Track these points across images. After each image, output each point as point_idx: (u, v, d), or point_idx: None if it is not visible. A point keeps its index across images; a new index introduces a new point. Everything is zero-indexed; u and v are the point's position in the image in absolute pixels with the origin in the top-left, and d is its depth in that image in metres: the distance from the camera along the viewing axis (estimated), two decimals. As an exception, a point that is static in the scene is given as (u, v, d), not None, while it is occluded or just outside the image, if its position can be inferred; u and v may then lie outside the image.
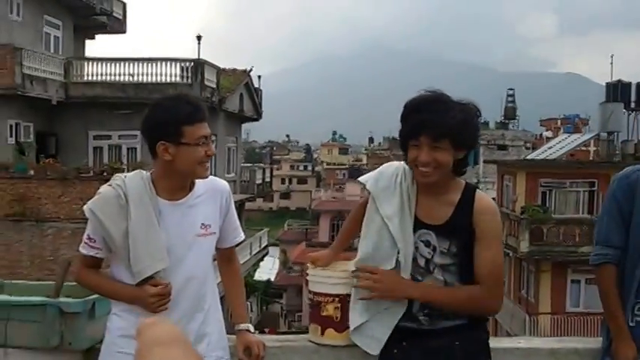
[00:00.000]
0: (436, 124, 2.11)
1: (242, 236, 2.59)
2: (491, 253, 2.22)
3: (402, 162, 2.33)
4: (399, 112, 2.24)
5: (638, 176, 2.50)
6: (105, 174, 17.24)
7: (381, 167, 2.43)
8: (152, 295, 2.21)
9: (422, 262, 2.24)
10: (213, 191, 2.38)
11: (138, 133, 19.50)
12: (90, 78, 19.83)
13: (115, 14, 23.90)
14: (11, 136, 17.87)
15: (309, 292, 2.49)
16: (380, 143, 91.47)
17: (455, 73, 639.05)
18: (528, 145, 44.31)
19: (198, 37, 21.36)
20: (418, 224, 2.25)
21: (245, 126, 30.16)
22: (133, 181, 2.28)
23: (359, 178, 2.45)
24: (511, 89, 65.72)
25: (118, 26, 24.81)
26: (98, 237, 2.26)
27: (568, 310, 21.52)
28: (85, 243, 2.30)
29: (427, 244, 2.24)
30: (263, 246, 31.05)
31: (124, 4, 25.28)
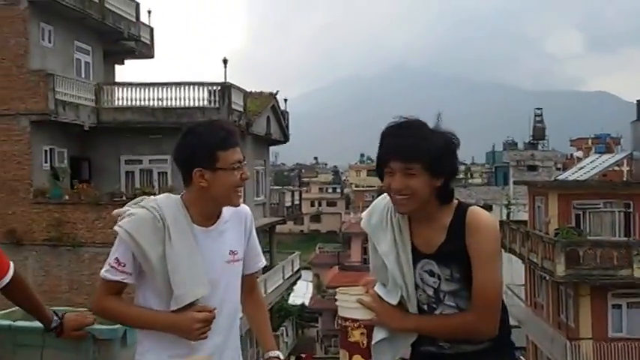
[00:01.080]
0: (406, 148, 2.06)
1: (264, 262, 2.58)
2: (483, 274, 2.11)
3: None
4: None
5: None
6: (137, 198, 17.66)
7: (375, 201, 2.36)
8: (199, 321, 2.18)
9: (430, 291, 2.19)
10: (237, 217, 2.40)
11: (168, 157, 20.07)
12: (120, 103, 20.36)
13: (142, 39, 24.49)
14: (46, 161, 18.43)
15: (338, 316, 2.42)
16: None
17: (479, 92, 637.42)
18: (559, 165, 44.13)
19: (225, 61, 21.64)
20: (418, 255, 2.19)
21: (273, 148, 30.48)
22: (167, 204, 2.27)
23: (362, 214, 2.38)
24: (539, 109, 65.28)
25: (146, 51, 25.41)
26: (129, 261, 2.20)
27: (610, 335, 21.12)
28: (112, 267, 2.20)
29: (431, 273, 2.19)
30: (295, 269, 31.22)
31: (152, 29, 25.90)
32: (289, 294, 32.79)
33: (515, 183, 31.69)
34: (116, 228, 2.22)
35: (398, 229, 2.21)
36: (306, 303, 43.44)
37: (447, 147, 2.13)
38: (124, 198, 17.79)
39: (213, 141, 2.21)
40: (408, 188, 2.07)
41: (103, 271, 2.22)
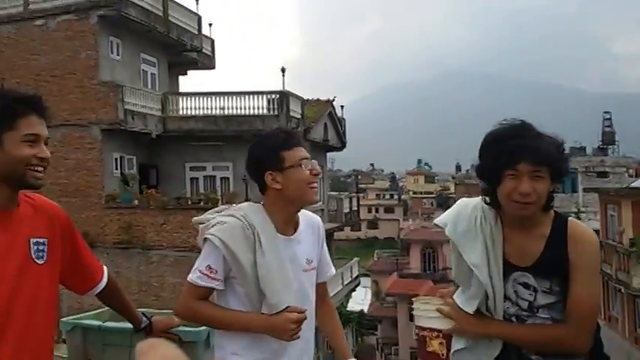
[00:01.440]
0: (537, 150, 2.01)
1: (333, 271, 2.64)
2: (586, 289, 2.07)
3: (478, 199, 2.24)
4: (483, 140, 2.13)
5: None
6: (202, 203, 18.34)
7: (457, 206, 2.31)
8: (293, 322, 2.24)
9: (525, 304, 2.14)
10: (311, 226, 2.47)
11: (229, 164, 20.71)
12: (184, 112, 21.09)
13: (204, 50, 25.26)
14: (116, 168, 19.32)
15: (415, 326, 2.43)
16: (467, 171, 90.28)
17: (543, 96, 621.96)
18: (631, 171, 42.34)
19: (283, 70, 22.06)
20: (510, 267, 2.13)
21: (329, 155, 30.83)
22: (253, 213, 2.34)
23: (435, 220, 2.35)
24: (607, 112, 63.31)
25: (207, 62, 26.20)
26: (220, 267, 2.27)
27: (692, 350, 20.23)
28: (204, 274, 2.27)
29: (526, 286, 2.13)
30: (354, 276, 31.27)
31: (213, 41, 26.69)
32: (348, 300, 32.90)
33: (584, 190, 30.58)
34: (208, 236, 2.27)
35: (491, 240, 2.15)
36: (365, 310, 43.42)
37: (563, 149, 2.11)
38: (190, 203, 18.50)
39: (276, 143, 2.32)
40: (535, 192, 2.01)
41: (193, 277, 2.28)
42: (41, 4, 19.81)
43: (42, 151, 1.90)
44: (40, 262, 1.94)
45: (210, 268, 2.26)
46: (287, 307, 2.26)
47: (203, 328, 2.67)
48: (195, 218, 2.41)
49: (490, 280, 2.12)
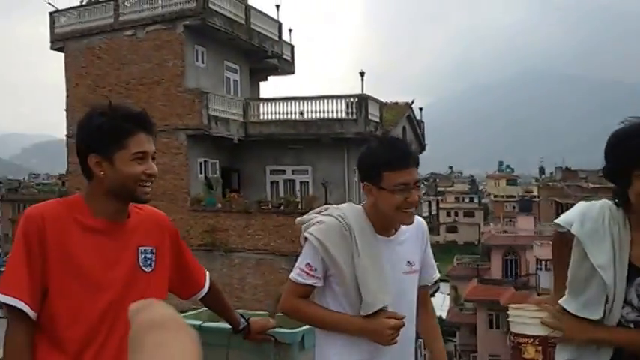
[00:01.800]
0: None
1: (437, 275, 2.63)
2: None
3: (605, 200, 2.19)
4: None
5: None
6: (282, 207, 18.62)
7: (580, 207, 2.25)
8: (391, 327, 2.25)
9: None
10: (415, 228, 2.45)
11: (308, 168, 20.90)
12: (265, 117, 21.42)
13: (284, 56, 25.68)
14: (201, 172, 19.92)
15: (510, 333, 2.43)
16: (552, 174, 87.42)
17: (630, 96, 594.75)
18: None
19: (362, 73, 21.89)
20: (635, 271, 2.08)
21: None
22: (352, 213, 2.37)
23: (557, 221, 2.28)
24: None
25: (287, 67, 26.56)
26: (319, 266, 2.31)
27: None
28: (304, 271, 2.32)
29: None
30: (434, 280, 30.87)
31: (292, 47, 27.07)
32: None
33: None
34: (306, 235, 2.33)
35: (618, 242, 2.10)
36: (444, 316, 42.77)
37: None
38: (270, 207, 18.83)
39: (380, 160, 2.28)
40: None
41: (293, 274, 2.34)
42: (131, 16, 20.70)
43: (150, 168, 1.99)
44: (147, 269, 2.03)
45: (310, 265, 2.31)
46: (385, 309, 2.28)
47: (298, 329, 2.73)
48: (298, 219, 2.46)
49: (614, 284, 2.06)
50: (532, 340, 2.30)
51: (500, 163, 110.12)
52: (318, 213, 2.44)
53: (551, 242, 2.45)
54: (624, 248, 2.08)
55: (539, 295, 34.31)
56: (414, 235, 2.44)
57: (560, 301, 2.19)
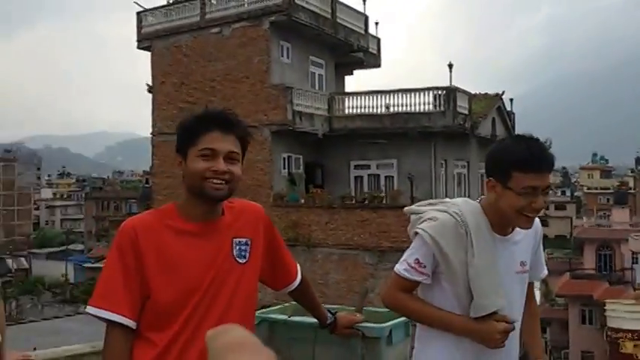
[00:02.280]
0: None
1: (546, 271, 2.49)
2: None
3: None
4: None
5: None
6: (366, 202, 18.07)
7: None
8: (501, 332, 2.16)
9: None
10: (531, 228, 2.30)
11: (394, 161, 20.22)
12: (350, 111, 21.01)
13: (370, 50, 25.07)
14: (284, 167, 19.71)
15: (607, 328, 2.16)
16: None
17: None
18: None
19: (450, 65, 21.13)
20: None
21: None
22: (468, 210, 2.24)
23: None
24: None
25: (373, 61, 26.00)
26: (429, 263, 2.20)
27: None
28: (412, 267, 2.22)
29: None
30: None
31: (379, 40, 26.43)
32: None
33: None
34: (419, 231, 2.22)
35: None
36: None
37: None
38: (354, 202, 18.33)
39: (512, 158, 2.12)
40: None
41: (400, 268, 2.23)
42: (217, 13, 20.74)
43: (216, 165, 1.95)
44: (241, 260, 2.03)
45: (419, 262, 2.21)
46: (496, 312, 2.16)
47: (386, 324, 2.68)
48: (407, 208, 2.38)
49: None
50: (630, 334, 1.83)
51: (594, 155, 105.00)
52: (431, 205, 2.33)
53: None
54: None
55: (635, 290, 32.79)
56: (529, 234, 2.31)
57: None
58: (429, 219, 2.23)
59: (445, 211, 2.23)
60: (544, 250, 2.21)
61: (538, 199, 2.12)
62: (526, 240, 2.30)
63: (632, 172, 78.76)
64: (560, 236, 64.28)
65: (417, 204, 2.38)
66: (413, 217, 2.31)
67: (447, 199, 2.34)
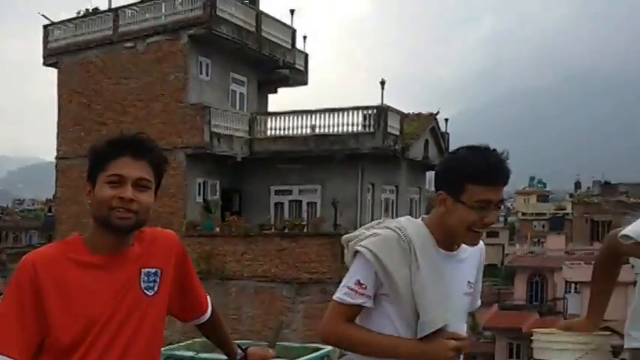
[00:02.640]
0: None
1: (479, 302, 2.47)
2: None
3: None
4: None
5: None
6: (286, 230, 18.35)
7: None
8: (453, 349, 2.10)
9: None
10: (476, 248, 2.32)
11: (318, 187, 20.57)
12: (272, 133, 21.19)
13: (297, 66, 25.20)
14: (199, 194, 19.78)
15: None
16: (589, 188, 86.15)
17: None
18: None
19: (382, 83, 21.53)
20: None
21: (430, 174, 30.06)
22: (412, 226, 2.22)
23: (625, 231, 2.25)
24: None
25: (300, 78, 26.21)
26: (371, 283, 2.15)
27: None
28: (352, 290, 2.15)
29: None
30: None
31: (306, 55, 26.67)
32: None
33: None
34: (359, 248, 2.17)
35: None
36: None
37: None
38: (273, 230, 18.56)
39: (467, 170, 2.11)
40: None
41: (339, 294, 2.17)
42: (131, 27, 20.68)
43: (123, 192, 1.93)
44: (149, 293, 2.03)
45: (360, 283, 2.15)
46: (445, 328, 2.11)
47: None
48: (345, 236, 2.31)
49: None
50: None
51: (532, 178, 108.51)
52: (369, 228, 2.28)
53: (597, 259, 2.45)
54: None
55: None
56: (473, 255, 2.31)
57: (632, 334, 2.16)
58: (369, 236, 2.21)
59: (386, 227, 2.22)
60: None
61: (491, 213, 2.13)
62: (472, 259, 2.31)
63: (570, 196, 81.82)
64: (491, 265, 65.81)
65: (357, 231, 2.33)
66: (350, 243, 2.25)
67: (389, 219, 2.32)
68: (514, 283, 43.36)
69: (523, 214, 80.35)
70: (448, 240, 2.21)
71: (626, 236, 2.19)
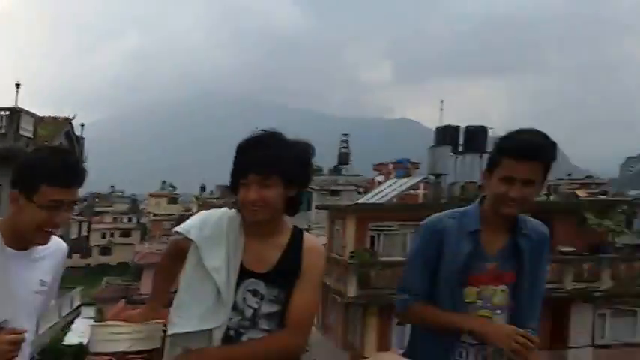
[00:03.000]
0: (265, 161, 2.13)
1: (53, 302, 3.44)
2: (306, 295, 2.24)
3: (226, 209, 2.32)
4: (231, 158, 2.23)
5: (444, 226, 2.59)
6: None
7: (202, 215, 2.36)
8: (7, 343, 2.08)
9: (249, 313, 2.22)
10: (57, 248, 2.40)
11: None
12: None
13: None
14: None
15: (93, 353, 2.40)
16: (212, 192, 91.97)
17: (291, 120, 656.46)
18: (361, 189, 45.30)
19: (17, 85, 21.30)
20: (245, 274, 2.22)
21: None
22: None
23: (177, 228, 2.34)
24: (345, 135, 67.61)
25: None
26: None
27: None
28: None
29: (255, 293, 2.22)
30: (75, 306, 30.71)
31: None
32: (66, 333, 30.80)
33: (317, 208, 32.37)
34: None
35: (234, 246, 2.24)
36: (85, 342, 41.48)
37: (303, 157, 2.26)
38: None
39: (43, 171, 2.14)
40: (262, 200, 2.16)
41: None
42: None
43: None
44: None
45: None
46: (4, 323, 2.16)
47: None
48: None
49: (226, 286, 2.18)
50: (110, 358, 2.33)
51: (164, 182, 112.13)
52: None
53: (163, 254, 2.57)
54: (237, 253, 2.24)
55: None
56: (52, 254, 2.38)
57: (171, 315, 2.26)
58: None
59: None
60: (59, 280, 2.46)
61: (62, 214, 2.16)
62: (51, 258, 2.35)
63: (196, 198, 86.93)
64: (123, 263, 66.52)
65: None
66: None
67: None
68: (142, 278, 44.57)
69: (154, 215, 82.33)
70: (19, 239, 2.23)
71: (177, 232, 2.30)
